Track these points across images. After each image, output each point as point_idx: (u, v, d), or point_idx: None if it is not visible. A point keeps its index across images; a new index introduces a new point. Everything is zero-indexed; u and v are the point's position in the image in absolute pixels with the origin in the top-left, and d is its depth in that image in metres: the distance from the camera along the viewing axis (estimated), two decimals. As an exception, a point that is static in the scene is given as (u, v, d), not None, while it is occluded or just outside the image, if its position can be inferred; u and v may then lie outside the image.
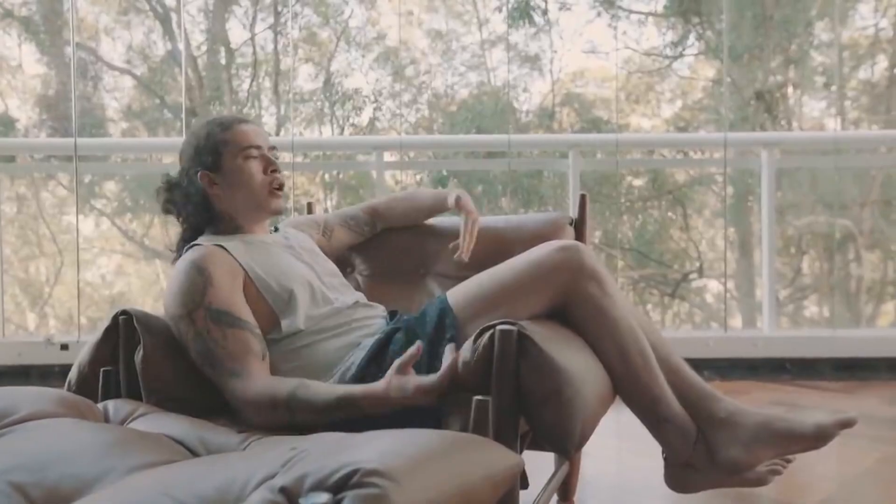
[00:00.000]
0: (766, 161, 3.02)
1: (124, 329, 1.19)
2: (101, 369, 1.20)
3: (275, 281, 1.23)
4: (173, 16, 4.16)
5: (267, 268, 1.24)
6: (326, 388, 1.08)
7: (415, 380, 1.00)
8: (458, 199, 1.49)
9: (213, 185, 1.28)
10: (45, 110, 4.15)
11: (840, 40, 4.01)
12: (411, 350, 1.02)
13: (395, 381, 1.01)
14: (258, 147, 1.30)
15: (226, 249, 1.23)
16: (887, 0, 4.06)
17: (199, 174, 1.27)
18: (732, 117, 4.03)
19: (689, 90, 4.57)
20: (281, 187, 1.31)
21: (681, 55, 4.41)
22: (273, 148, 1.34)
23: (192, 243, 1.26)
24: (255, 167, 1.29)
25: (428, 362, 1.10)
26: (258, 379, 1.11)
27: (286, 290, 1.22)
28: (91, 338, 1.24)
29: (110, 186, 4.29)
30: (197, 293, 1.15)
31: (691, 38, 4.36)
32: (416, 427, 0.87)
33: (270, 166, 1.30)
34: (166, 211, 1.32)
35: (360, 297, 1.35)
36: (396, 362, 1.03)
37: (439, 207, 1.57)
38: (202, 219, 1.30)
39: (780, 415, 1.19)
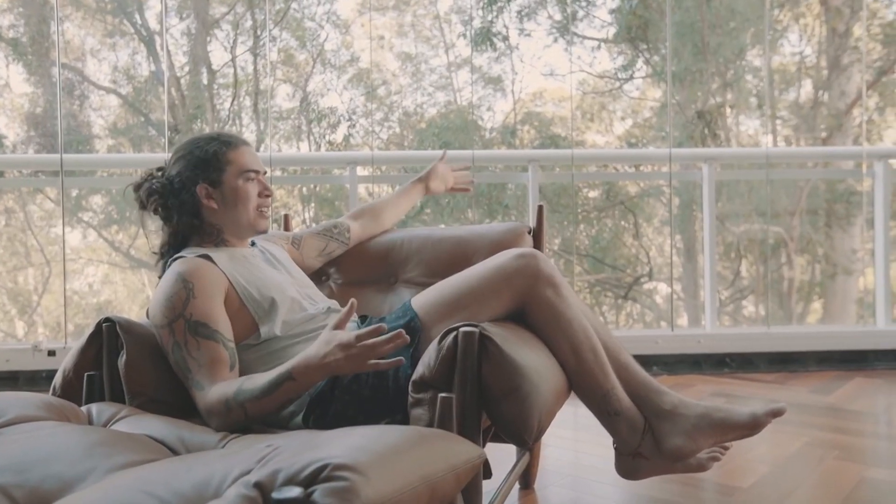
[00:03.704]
0: (707, 174, 3.09)
1: (108, 335, 1.17)
2: (86, 374, 1.17)
3: (256, 290, 1.22)
4: (157, 38, 4.10)
5: (249, 278, 1.23)
6: (268, 373, 1.06)
7: (338, 335, 1.00)
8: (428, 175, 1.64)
9: (210, 199, 1.26)
10: (32, 128, 4.04)
11: (770, 66, 4.13)
12: (347, 308, 1.02)
13: (321, 337, 1.01)
14: (256, 171, 1.29)
15: (212, 260, 1.21)
16: (811, 30, 4.20)
17: (197, 186, 1.26)
18: (677, 134, 4.12)
19: (639, 110, 4.65)
20: (267, 209, 1.31)
21: (630, 78, 4.50)
22: (265, 172, 1.33)
23: (177, 255, 1.24)
24: (252, 190, 1.28)
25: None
26: (216, 387, 1.08)
27: (266, 299, 1.21)
28: (75, 344, 1.21)
29: (97, 200, 4.19)
30: (179, 304, 1.13)
31: (639, 63, 4.45)
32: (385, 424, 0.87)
33: (265, 191, 1.30)
34: (154, 211, 1.27)
35: (333, 303, 1.34)
36: (331, 324, 1.02)
37: (414, 190, 1.65)
38: (191, 227, 1.27)
39: (719, 406, 1.22)
